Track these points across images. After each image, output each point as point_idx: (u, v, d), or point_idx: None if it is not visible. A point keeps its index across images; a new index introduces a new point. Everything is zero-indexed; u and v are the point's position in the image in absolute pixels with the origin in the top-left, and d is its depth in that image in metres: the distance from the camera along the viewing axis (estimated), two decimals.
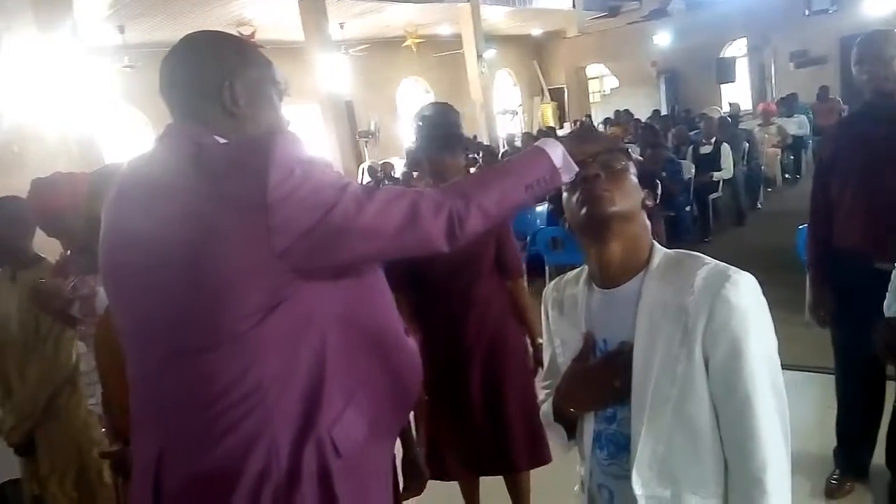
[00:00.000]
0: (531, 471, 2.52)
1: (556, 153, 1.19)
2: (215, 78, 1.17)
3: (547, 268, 6.03)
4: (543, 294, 1.42)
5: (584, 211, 1.20)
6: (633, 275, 1.22)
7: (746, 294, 1.13)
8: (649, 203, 1.27)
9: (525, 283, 2.52)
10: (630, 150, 1.87)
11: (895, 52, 2.31)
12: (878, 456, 2.68)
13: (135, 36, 11.00)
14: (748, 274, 1.16)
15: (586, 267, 1.32)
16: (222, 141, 1.14)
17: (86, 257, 2.17)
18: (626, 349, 1.19)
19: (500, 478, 2.54)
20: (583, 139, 1.25)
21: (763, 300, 1.16)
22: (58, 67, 6.84)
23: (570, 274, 1.38)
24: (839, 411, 2.74)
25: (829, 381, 2.81)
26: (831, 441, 2.77)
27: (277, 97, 1.26)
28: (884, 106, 2.39)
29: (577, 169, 1.21)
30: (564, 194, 1.28)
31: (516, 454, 2.39)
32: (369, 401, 1.19)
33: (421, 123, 2.33)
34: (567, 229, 1.30)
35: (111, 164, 2.12)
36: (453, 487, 2.58)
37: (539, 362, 2.49)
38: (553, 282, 1.42)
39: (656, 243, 1.26)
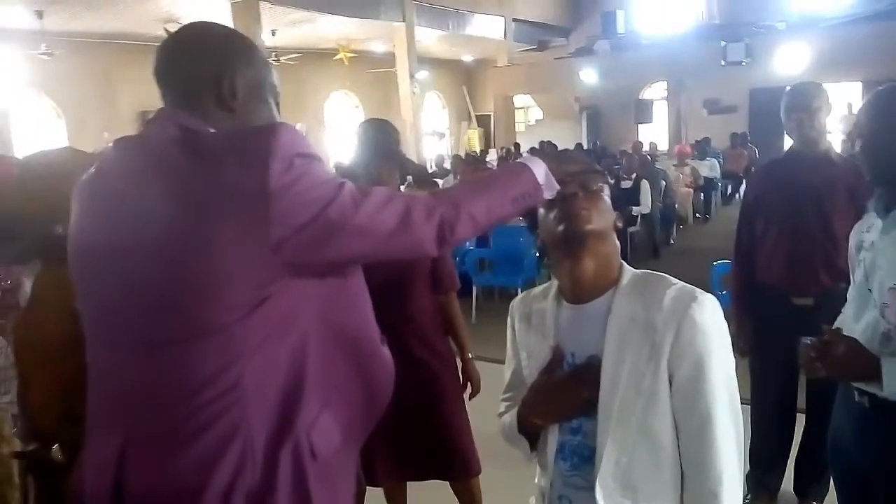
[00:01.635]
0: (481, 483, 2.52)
1: (539, 170, 1.22)
2: (216, 69, 1.14)
3: (475, 288, 6.10)
4: (510, 307, 1.45)
5: (561, 227, 1.24)
6: (603, 291, 1.27)
7: (711, 314, 1.20)
8: (619, 224, 1.33)
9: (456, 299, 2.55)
10: None
11: (821, 104, 2.50)
12: (787, 482, 2.86)
13: (54, 22, 10.47)
14: (712, 296, 1.22)
15: (555, 282, 1.36)
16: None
17: (10, 246, 2.05)
18: (595, 362, 1.23)
19: (445, 491, 2.54)
20: (562, 159, 1.28)
21: (724, 322, 1.23)
22: None
23: (538, 289, 1.42)
24: (753, 438, 2.87)
25: (742, 409, 2.95)
26: (744, 466, 2.90)
27: (274, 101, 1.24)
28: (808, 153, 2.57)
29: (557, 187, 1.23)
30: (541, 211, 1.31)
31: (455, 463, 2.40)
32: (344, 406, 1.17)
33: (362, 137, 2.34)
34: (540, 245, 1.34)
35: (46, 151, 2.02)
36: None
37: (468, 378, 2.52)
38: (520, 296, 1.46)
39: (625, 263, 1.32)
